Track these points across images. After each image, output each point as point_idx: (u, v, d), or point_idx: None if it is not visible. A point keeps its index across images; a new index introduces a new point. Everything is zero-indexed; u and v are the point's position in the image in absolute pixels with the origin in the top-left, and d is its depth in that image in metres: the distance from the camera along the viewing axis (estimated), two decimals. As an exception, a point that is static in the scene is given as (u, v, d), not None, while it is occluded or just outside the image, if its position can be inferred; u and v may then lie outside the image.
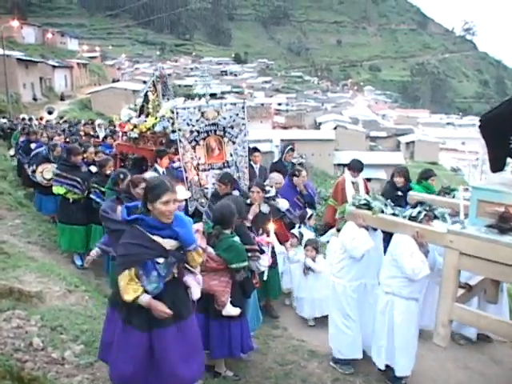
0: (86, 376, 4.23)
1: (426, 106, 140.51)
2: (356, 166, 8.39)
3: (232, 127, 7.69)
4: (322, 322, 6.83)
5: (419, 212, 5.21)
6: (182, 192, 6.58)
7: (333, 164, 49.70)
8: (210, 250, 4.92)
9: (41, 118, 25.09)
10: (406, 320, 5.19)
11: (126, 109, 9.53)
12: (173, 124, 8.86)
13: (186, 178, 7.67)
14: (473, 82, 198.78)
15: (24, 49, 61.48)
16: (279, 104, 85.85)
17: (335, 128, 59.63)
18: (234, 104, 7.83)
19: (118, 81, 76.91)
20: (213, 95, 70.95)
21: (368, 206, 5.52)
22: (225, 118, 7.63)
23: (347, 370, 5.66)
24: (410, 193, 6.80)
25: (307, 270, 7.12)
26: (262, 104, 76.87)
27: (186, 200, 7.20)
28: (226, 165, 7.80)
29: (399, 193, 7.49)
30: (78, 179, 8.36)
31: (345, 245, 5.54)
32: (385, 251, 5.62)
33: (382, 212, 5.43)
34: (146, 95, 9.19)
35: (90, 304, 6.00)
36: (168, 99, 9.46)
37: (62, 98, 54.32)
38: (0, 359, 3.22)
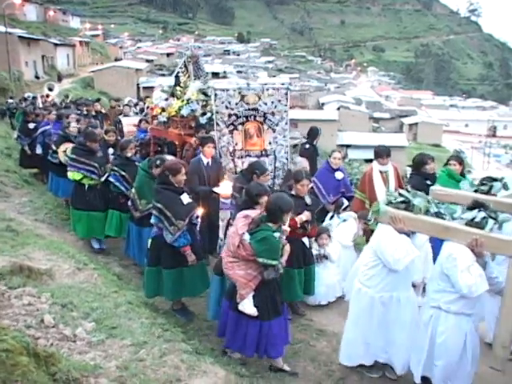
0: (98, 353, 4.23)
1: (429, 88, 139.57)
2: (383, 152, 7.54)
3: (273, 114, 7.34)
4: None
5: (484, 218, 4.32)
6: (229, 188, 6.44)
7: (336, 144, 49.49)
8: (246, 236, 4.75)
9: (47, 96, 24.91)
10: (452, 337, 4.46)
11: (159, 91, 9.29)
12: (203, 106, 8.55)
13: (221, 163, 7.36)
14: (477, 64, 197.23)
15: (26, 26, 60.82)
16: (282, 84, 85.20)
17: (338, 108, 59.25)
18: (277, 89, 7.45)
19: (120, 59, 76.44)
20: (215, 74, 70.56)
21: (407, 205, 4.65)
22: (266, 104, 7.29)
23: (375, 374, 5.25)
24: (433, 188, 5.71)
25: (321, 258, 6.86)
26: (265, 84, 76.30)
27: None
28: (263, 153, 7.43)
29: (428, 182, 6.78)
30: (95, 164, 8.04)
31: (382, 255, 4.73)
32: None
33: (427, 212, 4.57)
34: (177, 77, 8.92)
35: (99, 282, 5.99)
36: (202, 81, 8.98)
37: (60, 78, 53.11)
38: (16, 336, 3.20)
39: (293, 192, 6.05)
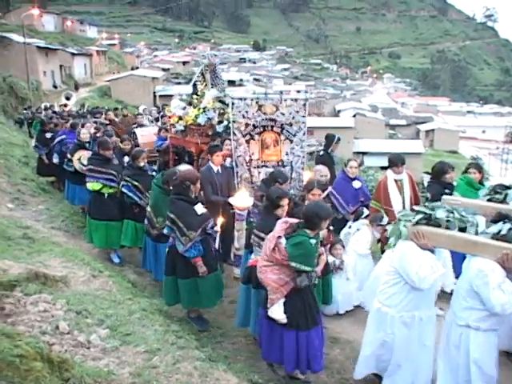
0: (112, 359, 4.26)
1: (446, 94, 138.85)
2: (398, 160, 7.45)
3: (291, 124, 7.22)
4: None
5: (510, 229, 4.12)
6: (245, 199, 6.34)
7: (352, 152, 49.40)
8: (282, 240, 4.67)
9: (65, 105, 25.18)
10: (485, 353, 4.32)
11: (177, 100, 9.29)
12: (220, 114, 8.54)
13: (237, 173, 7.29)
14: (494, 70, 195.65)
15: (44, 37, 61.72)
16: (298, 91, 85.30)
17: (354, 116, 59.14)
18: (295, 100, 7.33)
19: (136, 68, 76.96)
20: (232, 82, 70.80)
21: (428, 220, 4.44)
22: (283, 114, 7.17)
23: None
24: (445, 197, 5.61)
25: (336, 269, 6.73)
26: (281, 92, 76.35)
27: None
28: (280, 164, 7.32)
29: (446, 191, 6.73)
30: (113, 172, 8.00)
31: (406, 273, 4.47)
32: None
33: (450, 222, 4.34)
34: (194, 85, 8.92)
35: (114, 289, 6.04)
36: (219, 89, 8.96)
37: (77, 87, 53.71)
38: (30, 341, 3.25)
39: (306, 202, 5.91)
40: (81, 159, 9.48)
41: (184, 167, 6.99)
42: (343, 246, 6.94)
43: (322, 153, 9.89)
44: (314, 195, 5.99)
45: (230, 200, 6.66)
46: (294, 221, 4.82)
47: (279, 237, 4.68)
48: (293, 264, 4.55)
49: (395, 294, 4.66)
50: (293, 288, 4.69)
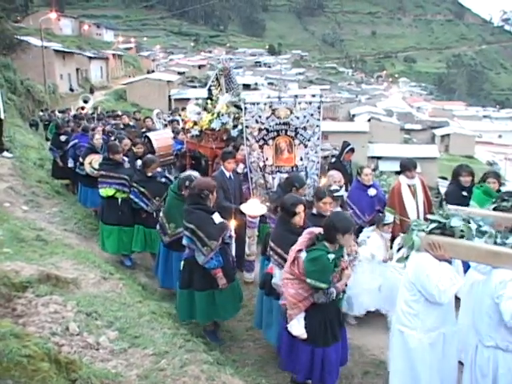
0: (120, 361, 4.30)
1: (462, 99, 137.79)
2: (410, 164, 7.43)
3: (305, 128, 7.10)
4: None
5: None
6: (257, 207, 6.19)
7: (367, 156, 49.23)
8: (303, 254, 4.47)
9: (82, 108, 25.38)
10: None
11: (193, 104, 9.24)
12: (234, 119, 8.51)
13: (251, 178, 7.22)
14: (511, 74, 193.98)
15: (61, 40, 62.47)
16: (313, 96, 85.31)
17: (369, 120, 59.00)
18: (310, 103, 7.22)
19: (152, 72, 77.50)
20: (247, 86, 70.88)
21: (443, 229, 4.18)
22: (298, 118, 7.07)
23: None
24: (449, 206, 5.10)
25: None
26: (296, 96, 76.36)
27: None
28: (295, 169, 7.20)
29: (464, 193, 6.78)
30: (125, 176, 7.95)
31: (424, 287, 4.17)
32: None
33: (464, 234, 4.09)
34: (209, 90, 8.92)
35: (124, 291, 6.07)
36: (233, 93, 8.91)
37: (92, 91, 53.44)
38: (38, 342, 3.30)
39: (314, 211, 5.72)
40: (92, 163, 9.57)
41: (196, 174, 6.98)
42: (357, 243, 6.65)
43: (334, 160, 9.83)
44: (324, 204, 5.63)
45: (242, 207, 6.58)
46: (318, 231, 4.56)
47: (299, 250, 4.49)
48: (308, 280, 4.35)
49: (417, 314, 4.30)
50: (313, 303, 4.49)
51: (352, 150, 9.60)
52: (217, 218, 5.73)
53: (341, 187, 6.90)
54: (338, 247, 4.46)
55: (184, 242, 5.75)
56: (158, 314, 5.62)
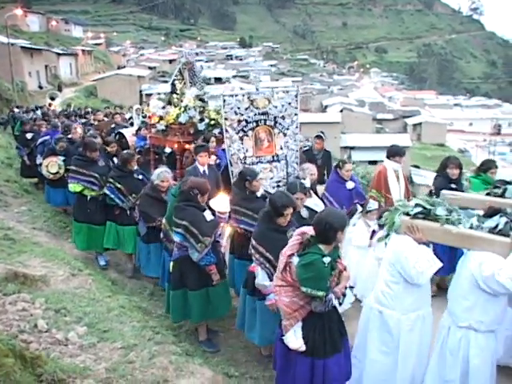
0: (89, 356, 4.34)
1: (432, 88, 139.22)
2: (401, 151, 7.63)
3: (283, 117, 7.12)
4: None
5: (506, 223, 4.04)
6: (226, 202, 5.92)
7: (339, 147, 49.54)
8: (294, 259, 4.08)
9: (49, 105, 25.07)
10: (484, 359, 4.13)
11: (156, 99, 9.26)
12: (201, 112, 8.54)
13: (232, 172, 7.10)
14: (480, 63, 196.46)
15: (29, 37, 61.51)
16: (285, 87, 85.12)
17: (341, 111, 59.32)
18: (287, 92, 7.23)
19: (123, 67, 76.86)
20: (218, 79, 70.73)
21: (426, 215, 4.32)
22: (276, 107, 7.06)
23: None
24: (443, 192, 5.45)
25: None
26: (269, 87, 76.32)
27: None
28: (275, 158, 7.20)
29: (452, 185, 6.61)
30: (96, 175, 7.85)
31: (403, 268, 4.29)
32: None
33: (448, 221, 4.21)
34: (173, 84, 8.91)
35: (94, 287, 6.10)
36: (198, 87, 8.93)
37: (60, 88, 52.58)
38: (3, 339, 3.33)
39: None
40: (48, 166, 9.54)
41: (167, 170, 7.00)
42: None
43: (306, 148, 9.92)
44: (297, 199, 5.37)
45: (210, 203, 6.61)
46: (310, 231, 4.19)
47: (291, 255, 4.11)
48: (303, 289, 3.95)
49: (396, 295, 4.40)
50: (310, 311, 4.10)
51: (318, 137, 9.63)
52: (208, 215, 5.67)
53: (314, 181, 6.82)
54: (332, 248, 4.12)
55: (175, 239, 5.66)
56: (127, 308, 5.67)
